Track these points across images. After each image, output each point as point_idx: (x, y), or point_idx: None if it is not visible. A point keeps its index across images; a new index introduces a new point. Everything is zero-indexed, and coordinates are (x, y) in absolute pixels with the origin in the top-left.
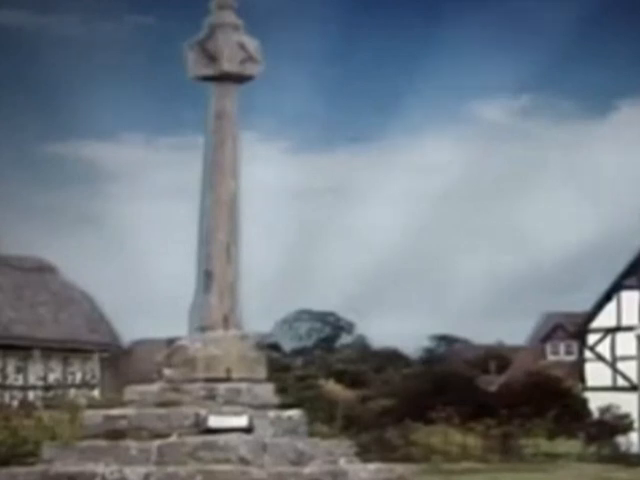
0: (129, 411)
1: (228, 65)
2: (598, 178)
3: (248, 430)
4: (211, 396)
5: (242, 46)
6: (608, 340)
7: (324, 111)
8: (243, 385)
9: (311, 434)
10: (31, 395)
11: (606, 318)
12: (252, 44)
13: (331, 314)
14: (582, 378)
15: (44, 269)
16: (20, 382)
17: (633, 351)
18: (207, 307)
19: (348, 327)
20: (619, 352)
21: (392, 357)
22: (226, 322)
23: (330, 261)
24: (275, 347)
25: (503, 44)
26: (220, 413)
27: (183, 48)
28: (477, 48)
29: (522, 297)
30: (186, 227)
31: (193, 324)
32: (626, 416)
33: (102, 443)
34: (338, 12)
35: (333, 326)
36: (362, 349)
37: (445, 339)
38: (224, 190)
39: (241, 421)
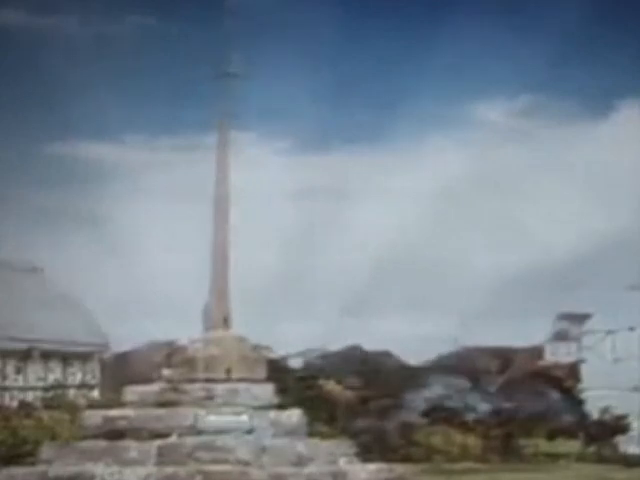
0: (129, 411)
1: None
2: (598, 179)
3: (248, 430)
4: (210, 396)
5: None
6: (608, 340)
7: (323, 111)
8: (242, 385)
9: (311, 434)
10: (31, 396)
11: (606, 318)
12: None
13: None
14: (582, 378)
15: (43, 269)
16: (20, 383)
17: (633, 351)
18: (207, 308)
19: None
20: (619, 352)
21: (392, 357)
22: (226, 323)
23: (329, 261)
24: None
25: (503, 44)
26: (219, 413)
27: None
28: (477, 48)
29: (523, 298)
30: (186, 227)
31: (204, 325)
32: (626, 416)
33: (102, 443)
34: (337, 12)
35: None
36: (362, 349)
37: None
38: (221, 190)
39: (241, 421)
